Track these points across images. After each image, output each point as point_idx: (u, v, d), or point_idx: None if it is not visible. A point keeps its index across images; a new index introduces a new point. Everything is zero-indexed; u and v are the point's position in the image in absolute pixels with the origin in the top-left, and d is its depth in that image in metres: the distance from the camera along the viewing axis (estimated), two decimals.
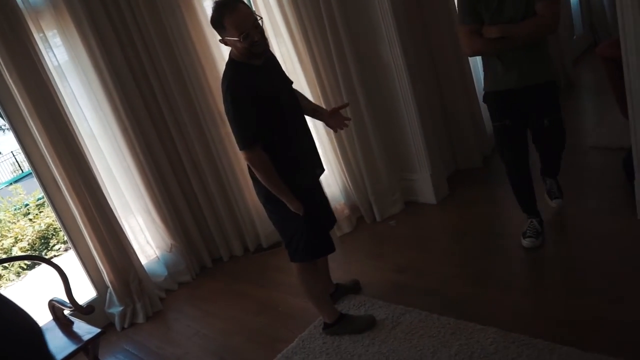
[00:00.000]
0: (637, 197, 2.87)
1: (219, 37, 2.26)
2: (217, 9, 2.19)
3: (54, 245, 6.74)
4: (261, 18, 2.23)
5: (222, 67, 3.60)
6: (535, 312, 2.45)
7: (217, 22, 2.20)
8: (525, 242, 2.95)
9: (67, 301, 2.64)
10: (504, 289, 2.68)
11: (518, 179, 2.98)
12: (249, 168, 2.45)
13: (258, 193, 2.49)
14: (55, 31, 3.27)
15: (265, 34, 2.29)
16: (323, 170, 2.63)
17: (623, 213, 2.95)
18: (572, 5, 6.52)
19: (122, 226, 3.51)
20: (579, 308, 2.38)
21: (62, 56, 3.31)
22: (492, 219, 3.42)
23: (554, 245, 2.96)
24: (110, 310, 3.51)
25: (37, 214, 7.45)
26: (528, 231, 2.97)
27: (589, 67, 5.96)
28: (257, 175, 2.35)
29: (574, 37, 6.52)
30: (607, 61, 3.65)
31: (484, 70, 2.88)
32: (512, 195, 3.19)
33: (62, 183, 3.25)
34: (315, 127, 3.59)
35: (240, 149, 2.31)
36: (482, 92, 2.95)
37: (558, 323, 2.32)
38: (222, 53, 3.63)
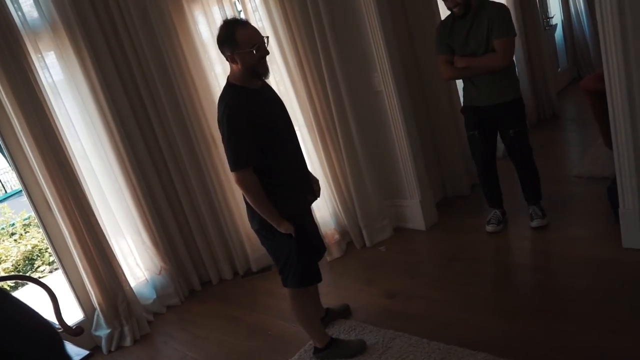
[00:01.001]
0: (622, 226, 2.93)
1: (227, 55, 2.25)
2: (227, 24, 2.24)
3: (38, 267, 6.64)
4: (267, 37, 2.30)
5: (216, 90, 3.69)
6: (524, 337, 2.47)
7: (228, 36, 2.22)
8: (489, 228, 3.56)
9: (56, 322, 2.62)
10: (494, 314, 2.71)
11: (484, 179, 3.58)
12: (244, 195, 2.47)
13: (252, 219, 2.49)
14: (52, 52, 3.31)
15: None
16: (315, 197, 2.65)
17: (609, 241, 3.02)
18: (557, 40, 6.74)
19: (112, 247, 3.49)
20: (567, 333, 2.41)
21: (58, 75, 3.33)
22: (480, 245, 3.47)
23: (542, 271, 3.02)
24: (98, 333, 3.47)
25: (22, 234, 7.36)
26: (492, 219, 3.59)
27: (573, 99, 6.13)
28: (246, 197, 2.37)
29: (559, 70, 6.72)
30: (591, 94, 3.77)
31: (463, 88, 3.46)
32: (508, 211, 3.32)
33: (52, 202, 3.24)
34: (307, 152, 3.65)
35: (232, 170, 2.31)
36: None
37: (547, 348, 2.35)
38: (217, 77, 3.68)
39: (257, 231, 2.53)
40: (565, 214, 3.57)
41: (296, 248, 2.45)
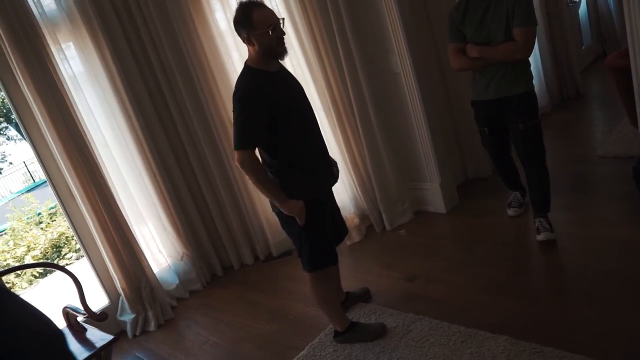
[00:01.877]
0: None
1: (243, 36, 2.26)
2: (243, 6, 2.23)
3: (65, 254, 6.80)
4: (283, 19, 2.30)
5: (233, 77, 3.69)
6: (546, 320, 2.44)
7: (244, 18, 2.22)
8: (510, 212, 3.48)
9: (81, 308, 2.68)
10: (514, 297, 2.68)
11: (500, 167, 3.47)
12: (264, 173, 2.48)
13: (272, 202, 2.51)
14: (70, 43, 3.34)
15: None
16: (336, 180, 2.65)
17: (634, 221, 2.95)
18: (580, 17, 6.55)
19: (135, 234, 3.55)
20: (591, 317, 2.38)
21: (77, 67, 3.37)
22: (501, 228, 3.43)
23: (566, 253, 2.97)
24: (122, 318, 3.54)
25: (49, 223, 7.52)
26: (512, 202, 3.51)
27: (598, 77, 5.98)
28: (249, 177, 2.37)
29: (583, 47, 6.55)
30: (615, 72, 3.68)
31: (472, 81, 3.22)
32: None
33: (76, 191, 3.30)
34: (326, 137, 3.63)
35: (234, 149, 2.31)
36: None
37: (569, 331, 2.32)
38: (234, 64, 3.69)
39: (277, 214, 2.54)
40: (589, 195, 3.51)
41: (305, 231, 2.46)
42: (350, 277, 3.33)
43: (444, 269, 3.16)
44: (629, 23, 2.66)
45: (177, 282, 3.80)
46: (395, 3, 3.42)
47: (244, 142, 2.27)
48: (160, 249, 3.80)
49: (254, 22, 2.21)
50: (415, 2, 3.80)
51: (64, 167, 3.26)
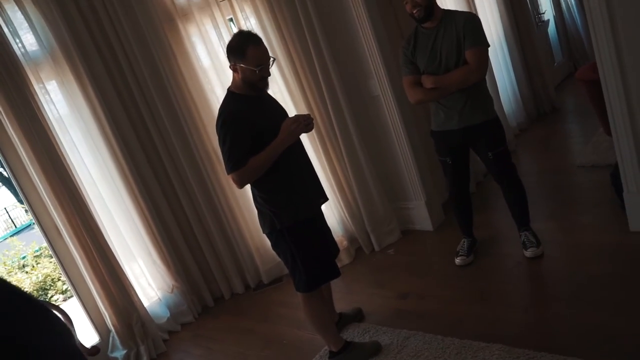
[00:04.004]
0: (627, 210, 2.94)
1: (231, 63, 2.35)
2: (242, 36, 2.33)
3: (52, 297, 6.69)
4: (274, 59, 2.39)
5: (216, 109, 3.73)
6: (538, 326, 2.48)
7: (239, 48, 2.30)
8: (458, 260, 3.29)
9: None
10: (506, 306, 2.72)
11: (457, 206, 3.35)
12: (254, 198, 2.52)
13: (263, 224, 2.53)
14: (54, 81, 3.37)
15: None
16: (326, 199, 2.69)
17: (615, 226, 3.03)
18: (550, 35, 6.78)
19: (124, 270, 3.53)
20: (580, 320, 2.42)
21: (63, 108, 3.39)
22: (487, 240, 3.47)
23: (552, 261, 3.02)
24: (114, 354, 3.48)
25: (33, 266, 7.41)
26: (460, 251, 3.34)
27: (571, 92, 6.16)
28: (250, 178, 2.38)
29: (555, 64, 6.76)
30: (587, 84, 3.81)
31: (431, 111, 3.12)
32: (505, 217, 3.32)
33: (63, 229, 3.29)
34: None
35: (227, 173, 2.36)
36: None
37: (561, 336, 2.36)
38: (218, 98, 3.74)
39: (267, 235, 2.57)
40: (571, 203, 3.59)
41: (299, 252, 2.48)
42: (342, 298, 3.33)
43: (435, 284, 3.19)
44: (594, 36, 2.78)
45: (168, 315, 3.76)
46: (370, 27, 3.52)
47: (235, 164, 2.32)
48: (150, 282, 3.78)
49: (246, 56, 2.30)
50: (390, 25, 3.91)
51: (51, 206, 3.25)
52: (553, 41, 6.90)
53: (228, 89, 2.43)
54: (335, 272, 2.66)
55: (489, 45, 2.88)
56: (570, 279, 2.77)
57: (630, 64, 2.71)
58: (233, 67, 2.36)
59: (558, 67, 6.82)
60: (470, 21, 2.81)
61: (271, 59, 2.39)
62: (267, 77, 2.39)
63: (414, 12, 2.81)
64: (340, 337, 2.75)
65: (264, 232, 2.56)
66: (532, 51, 5.62)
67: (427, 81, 2.88)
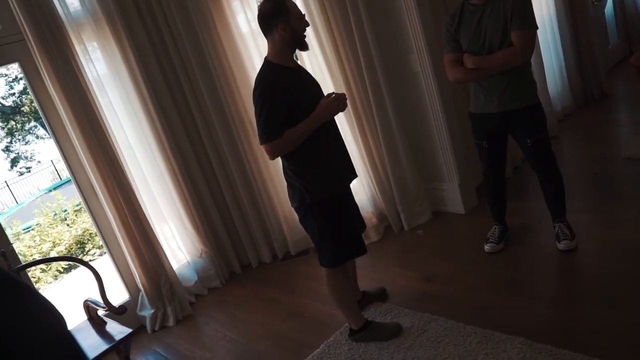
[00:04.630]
0: None
1: (280, 24, 2.31)
2: (272, 1, 2.32)
3: (89, 250, 6.94)
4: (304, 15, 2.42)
5: (253, 78, 3.71)
6: (563, 322, 2.42)
7: (279, 8, 2.30)
8: (486, 247, 3.23)
9: (101, 302, 2.74)
10: (532, 298, 2.66)
11: (491, 191, 3.25)
12: (284, 171, 2.51)
13: (292, 198, 2.53)
14: (94, 43, 3.42)
15: None
16: (355, 176, 2.67)
17: None
18: (606, 15, 6.43)
19: (155, 232, 3.61)
20: (608, 319, 2.34)
21: (102, 68, 3.44)
22: (520, 229, 3.38)
23: (587, 255, 2.92)
24: (142, 313, 3.60)
25: (74, 220, 7.68)
26: (490, 237, 3.27)
27: (624, 77, 5.86)
28: (287, 149, 2.37)
29: (609, 46, 6.42)
30: None
31: (471, 92, 3.03)
32: (540, 206, 3.21)
33: (99, 189, 3.37)
34: (344, 136, 3.64)
35: (260, 144, 2.37)
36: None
37: (586, 334, 2.29)
38: (255, 65, 3.72)
39: (296, 209, 2.58)
40: (613, 197, 3.45)
41: (328, 227, 2.49)
42: (367, 276, 3.33)
43: (461, 269, 3.14)
44: None
45: (196, 279, 3.85)
46: (414, 2, 3.40)
47: (269, 135, 2.32)
48: (180, 245, 3.86)
49: (290, 9, 2.32)
50: (434, 1, 3.77)
51: (87, 166, 3.33)
52: (609, 21, 6.54)
53: (265, 59, 2.42)
54: (361, 249, 2.66)
55: (537, 28, 2.76)
56: (602, 275, 2.68)
57: None
58: (282, 28, 2.31)
59: (612, 50, 6.49)
60: (519, 1, 2.66)
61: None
62: (306, 30, 2.40)
63: None
64: (361, 316, 2.76)
65: (292, 205, 2.56)
66: (584, 31, 5.34)
67: (469, 61, 2.77)
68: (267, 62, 2.41)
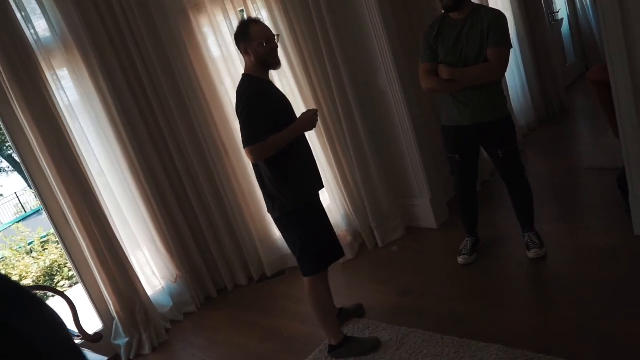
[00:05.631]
0: (632, 213, 2.93)
1: (241, 48, 2.51)
2: (242, 23, 2.53)
3: (58, 282, 6.76)
4: (279, 35, 2.56)
5: (226, 101, 3.78)
6: (537, 328, 2.48)
7: (243, 32, 2.49)
8: (459, 259, 3.29)
9: (76, 330, 2.68)
10: (506, 307, 2.72)
11: (462, 204, 3.33)
12: (261, 184, 2.59)
13: (272, 208, 2.60)
14: (65, 69, 3.40)
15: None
16: (323, 186, 2.77)
17: (621, 230, 3.02)
18: (564, 35, 6.72)
19: (129, 258, 3.56)
20: (580, 322, 2.41)
21: (73, 94, 3.42)
22: (491, 240, 3.46)
23: (556, 262, 3.01)
24: (117, 342, 3.52)
25: (41, 252, 7.49)
26: (463, 249, 3.32)
27: (582, 93, 6.11)
28: (265, 155, 2.46)
29: (567, 64, 6.70)
30: (597, 85, 3.76)
31: (442, 105, 3.13)
32: (510, 218, 3.30)
33: (70, 216, 3.32)
34: (316, 155, 3.69)
35: (245, 146, 2.46)
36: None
37: (561, 337, 2.35)
38: (227, 89, 3.76)
39: (276, 220, 2.64)
40: (578, 206, 3.57)
41: (308, 234, 2.57)
42: (343, 294, 3.34)
43: (436, 282, 3.19)
44: (606, 37, 2.76)
45: (171, 304, 3.80)
46: (381, 24, 3.51)
47: (255, 137, 2.42)
48: (154, 271, 3.81)
49: (251, 35, 2.46)
50: (401, 21, 3.89)
51: (59, 193, 3.28)
52: (566, 41, 6.84)
53: (243, 74, 2.55)
54: (341, 252, 2.75)
55: (511, 47, 2.89)
56: (573, 281, 2.77)
57: None
58: (244, 51, 2.49)
59: (570, 67, 6.77)
60: (497, 20, 2.80)
61: (276, 35, 2.53)
62: (276, 51, 2.51)
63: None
64: (340, 330, 2.77)
65: (273, 216, 2.64)
66: (544, 50, 5.57)
67: (445, 72, 2.86)
68: (246, 76, 2.55)
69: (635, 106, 2.75)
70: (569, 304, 2.58)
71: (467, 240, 3.36)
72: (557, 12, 6.58)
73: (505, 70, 2.88)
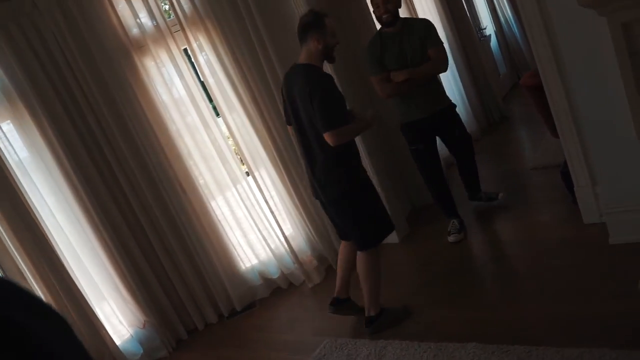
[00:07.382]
0: (579, 203, 3.10)
1: (315, 37, 2.64)
2: (316, 13, 2.70)
3: None
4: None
5: (179, 142, 3.79)
6: (509, 321, 2.58)
7: (318, 21, 2.66)
8: (450, 238, 3.55)
9: None
10: (475, 306, 2.81)
11: (436, 190, 3.69)
12: (323, 168, 2.75)
13: (331, 191, 2.74)
14: (9, 122, 3.33)
15: None
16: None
17: (571, 221, 3.18)
18: (493, 49, 7.10)
19: (94, 310, 3.46)
20: (546, 310, 2.53)
21: (19, 147, 3.36)
22: (453, 247, 3.57)
23: (518, 259, 3.16)
24: None
25: None
26: (451, 230, 3.59)
27: (517, 101, 6.44)
28: (348, 139, 2.68)
29: (500, 76, 7.06)
30: (531, 90, 4.00)
31: (395, 108, 3.59)
32: (470, 224, 3.42)
33: (28, 273, 3.22)
34: (274, 183, 3.73)
35: (326, 130, 2.55)
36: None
37: (531, 327, 2.46)
38: (179, 131, 3.77)
39: (337, 198, 2.76)
40: (528, 204, 3.74)
41: (368, 204, 2.79)
42: (316, 317, 3.37)
43: (406, 293, 3.26)
44: (534, 45, 2.96)
45: (142, 351, 3.68)
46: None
47: (337, 121, 2.57)
48: (120, 320, 3.70)
49: (327, 26, 2.66)
50: (340, 50, 4.02)
51: (14, 251, 3.20)
52: (496, 54, 7.23)
53: (304, 64, 2.69)
54: (393, 225, 2.96)
55: (443, 43, 3.47)
56: (535, 274, 2.90)
57: (569, 66, 2.86)
58: (315, 40, 2.62)
59: (503, 78, 7.13)
60: (429, 26, 3.41)
61: None
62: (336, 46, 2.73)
63: (384, 17, 3.30)
64: (380, 303, 2.93)
65: (332, 197, 2.76)
66: (477, 64, 5.87)
67: (400, 75, 3.30)
68: (309, 65, 2.68)
69: (568, 103, 2.94)
70: (533, 295, 2.70)
71: (453, 222, 3.61)
72: (484, 28, 6.96)
73: (447, 63, 3.47)
